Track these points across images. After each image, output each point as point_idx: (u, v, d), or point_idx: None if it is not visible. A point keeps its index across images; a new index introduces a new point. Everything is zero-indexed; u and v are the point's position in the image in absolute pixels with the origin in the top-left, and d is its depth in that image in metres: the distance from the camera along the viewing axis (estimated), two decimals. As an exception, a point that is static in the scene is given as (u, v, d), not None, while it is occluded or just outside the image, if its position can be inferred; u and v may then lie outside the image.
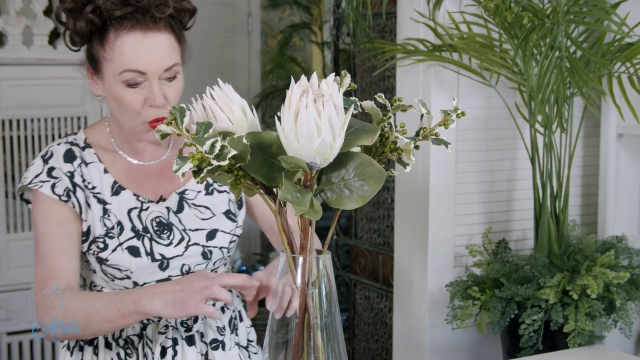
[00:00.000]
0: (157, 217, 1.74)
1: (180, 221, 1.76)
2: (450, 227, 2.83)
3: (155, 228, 1.73)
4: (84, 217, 1.72)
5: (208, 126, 1.15)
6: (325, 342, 1.25)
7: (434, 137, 1.27)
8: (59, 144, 1.77)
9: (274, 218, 1.83)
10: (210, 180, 1.82)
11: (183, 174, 1.11)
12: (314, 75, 1.19)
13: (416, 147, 1.26)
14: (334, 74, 1.24)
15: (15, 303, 3.54)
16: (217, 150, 1.11)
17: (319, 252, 1.26)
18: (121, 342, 1.75)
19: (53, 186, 1.71)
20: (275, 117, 1.16)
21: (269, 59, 5.24)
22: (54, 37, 3.66)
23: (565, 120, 2.65)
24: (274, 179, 1.20)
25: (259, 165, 1.19)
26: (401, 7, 2.84)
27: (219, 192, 1.83)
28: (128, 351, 1.74)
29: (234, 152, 1.11)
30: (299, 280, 1.24)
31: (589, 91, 2.47)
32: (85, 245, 1.72)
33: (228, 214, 1.82)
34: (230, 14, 5.10)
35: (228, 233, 1.80)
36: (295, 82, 1.17)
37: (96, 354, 1.76)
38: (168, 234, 1.74)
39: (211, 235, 1.77)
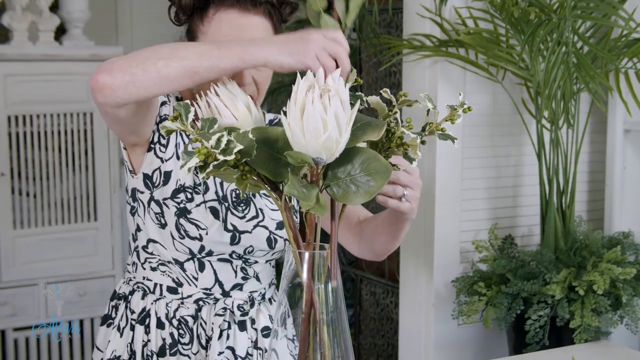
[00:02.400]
0: (237, 189, 1.68)
1: (257, 202, 1.74)
2: (456, 223, 2.83)
3: (234, 199, 1.71)
4: (159, 152, 1.67)
5: (213, 122, 1.15)
6: (331, 337, 1.25)
7: (440, 132, 1.27)
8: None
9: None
10: None
11: (189, 170, 1.11)
12: (320, 71, 1.19)
13: (422, 142, 1.26)
14: (340, 69, 1.24)
15: (21, 299, 3.55)
16: (223, 145, 1.11)
17: (323, 247, 1.26)
18: (175, 322, 1.72)
19: (163, 104, 1.68)
20: (281, 113, 1.16)
21: (274, 54, 5.23)
22: (59, 33, 3.66)
23: (572, 116, 2.64)
24: (280, 174, 1.19)
25: (264, 161, 1.19)
26: (407, 2, 2.84)
27: None
28: (181, 332, 1.72)
29: (240, 146, 1.11)
30: (304, 275, 1.24)
31: (595, 87, 2.46)
32: (169, 190, 1.67)
33: (292, 209, 1.80)
34: (236, 10, 5.09)
35: None
36: (301, 78, 1.16)
37: (147, 333, 1.73)
38: (244, 207, 1.71)
39: (280, 225, 1.74)
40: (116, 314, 1.79)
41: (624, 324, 2.49)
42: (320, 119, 1.11)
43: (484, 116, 2.84)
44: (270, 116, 1.85)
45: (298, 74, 1.18)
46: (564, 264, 2.56)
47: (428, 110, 1.28)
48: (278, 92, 4.99)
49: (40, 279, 3.57)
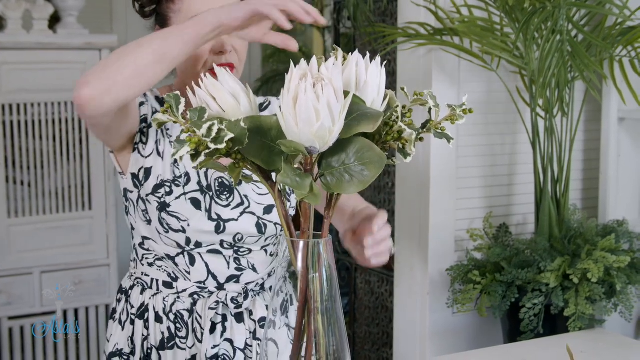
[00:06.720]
0: (220, 177, 1.74)
1: (241, 189, 1.77)
2: (451, 211, 2.83)
3: (217, 188, 1.73)
4: (142, 151, 1.71)
5: (202, 112, 1.15)
6: (326, 326, 1.25)
7: (438, 130, 1.27)
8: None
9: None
10: None
11: (181, 158, 1.11)
12: (314, 59, 1.18)
13: (420, 139, 1.26)
14: (334, 57, 1.24)
15: (16, 288, 3.55)
16: (214, 134, 1.11)
17: (318, 236, 1.26)
18: (171, 316, 1.75)
19: (141, 104, 1.71)
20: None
21: (269, 43, 5.22)
22: (54, 21, 3.65)
23: (567, 104, 2.64)
24: (273, 163, 1.19)
25: (258, 150, 1.18)
26: (402, -10, 2.83)
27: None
28: (178, 325, 1.75)
29: (231, 135, 1.11)
30: (299, 264, 1.24)
31: (590, 75, 2.46)
32: (150, 186, 1.70)
33: (283, 192, 1.80)
34: (230, -2, 5.07)
35: None
36: (295, 66, 1.16)
37: (147, 327, 1.77)
38: (228, 195, 1.73)
39: (268, 209, 1.76)
40: (119, 307, 1.84)
41: (618, 312, 2.50)
42: (313, 108, 1.10)
43: (479, 105, 2.84)
44: (260, 99, 1.87)
45: (292, 63, 1.18)
46: (558, 252, 2.57)
47: (430, 109, 1.28)
48: (273, 80, 4.99)
49: (35, 268, 3.57)
